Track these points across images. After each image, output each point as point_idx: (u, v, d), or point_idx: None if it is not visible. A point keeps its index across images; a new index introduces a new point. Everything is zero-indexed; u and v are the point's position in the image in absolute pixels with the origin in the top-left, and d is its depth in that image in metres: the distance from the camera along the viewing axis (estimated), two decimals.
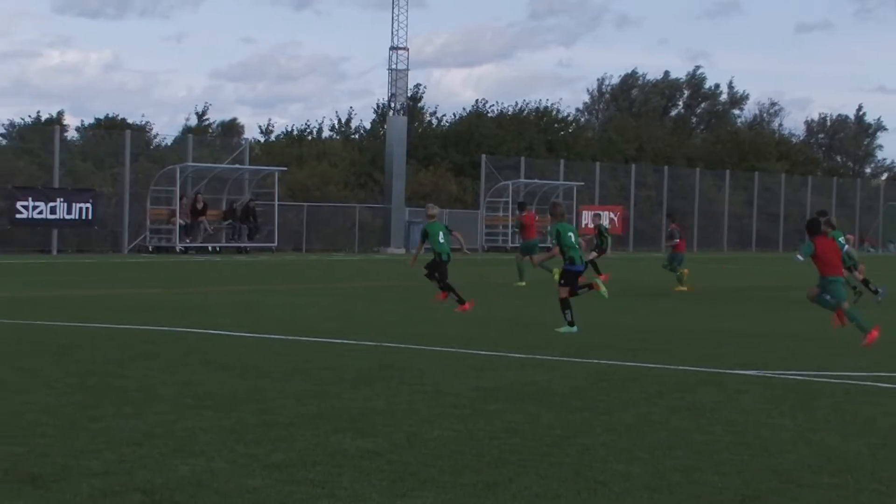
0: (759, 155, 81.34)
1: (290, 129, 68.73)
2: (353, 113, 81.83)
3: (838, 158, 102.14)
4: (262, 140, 66.44)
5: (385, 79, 61.95)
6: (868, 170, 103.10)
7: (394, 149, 55.27)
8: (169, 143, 54.97)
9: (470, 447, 8.83)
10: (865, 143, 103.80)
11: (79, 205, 44.59)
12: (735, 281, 35.03)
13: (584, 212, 59.63)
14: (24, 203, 43.18)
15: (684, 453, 8.82)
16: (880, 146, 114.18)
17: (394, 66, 56.87)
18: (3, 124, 56.81)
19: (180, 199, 47.17)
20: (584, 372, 13.23)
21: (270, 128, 69.33)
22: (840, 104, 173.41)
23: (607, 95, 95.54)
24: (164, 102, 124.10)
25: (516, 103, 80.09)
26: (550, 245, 19.98)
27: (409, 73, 57.72)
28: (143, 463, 8.01)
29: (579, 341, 16.26)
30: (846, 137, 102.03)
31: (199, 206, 47.91)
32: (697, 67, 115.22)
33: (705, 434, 9.61)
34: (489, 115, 70.49)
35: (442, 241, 22.12)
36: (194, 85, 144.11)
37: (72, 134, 54.89)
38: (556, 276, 28.10)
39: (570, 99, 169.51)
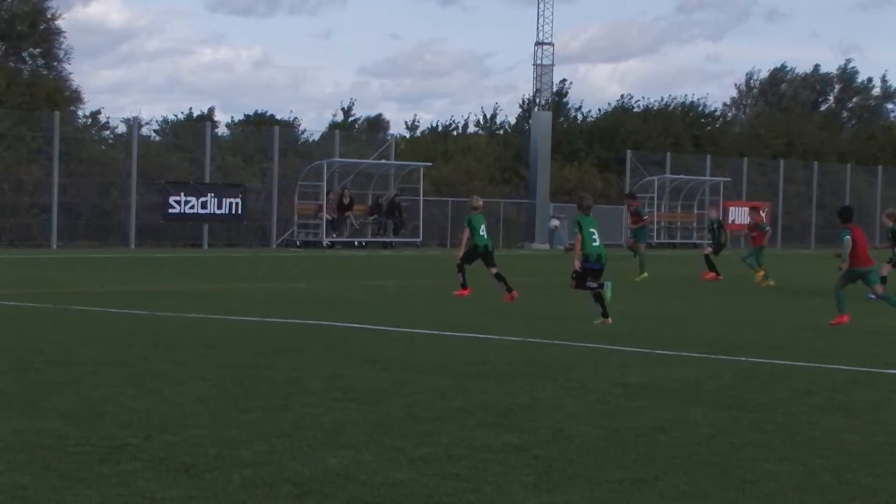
0: None
1: (434, 125, 69.18)
2: (499, 108, 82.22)
3: None
4: (408, 136, 66.87)
5: (530, 74, 61.98)
6: None
7: (538, 144, 55.18)
8: (316, 139, 55.61)
9: (616, 444, 8.78)
10: None
11: (229, 200, 45.43)
12: (889, 278, 34.12)
13: (730, 207, 58.81)
14: (177, 198, 44.16)
15: (835, 453, 8.64)
16: None
17: (539, 62, 56.84)
18: (156, 121, 58.32)
19: (327, 194, 47.74)
20: (731, 369, 13.05)
21: (416, 123, 69.79)
22: None
23: (755, 90, 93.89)
24: (312, 98, 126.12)
25: (662, 98, 79.25)
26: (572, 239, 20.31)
27: (555, 68, 57.59)
28: (292, 454, 8.13)
29: (727, 338, 16.05)
30: None
31: (346, 201, 48.42)
32: (849, 61, 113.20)
33: (857, 434, 9.40)
34: (635, 110, 69.93)
35: (482, 233, 22.71)
36: (341, 81, 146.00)
37: (222, 130, 55.98)
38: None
39: (717, 94, 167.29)
